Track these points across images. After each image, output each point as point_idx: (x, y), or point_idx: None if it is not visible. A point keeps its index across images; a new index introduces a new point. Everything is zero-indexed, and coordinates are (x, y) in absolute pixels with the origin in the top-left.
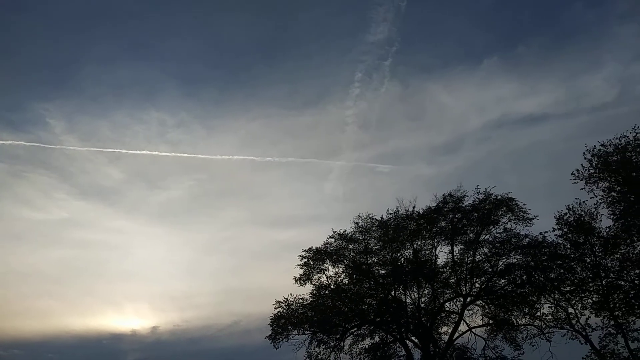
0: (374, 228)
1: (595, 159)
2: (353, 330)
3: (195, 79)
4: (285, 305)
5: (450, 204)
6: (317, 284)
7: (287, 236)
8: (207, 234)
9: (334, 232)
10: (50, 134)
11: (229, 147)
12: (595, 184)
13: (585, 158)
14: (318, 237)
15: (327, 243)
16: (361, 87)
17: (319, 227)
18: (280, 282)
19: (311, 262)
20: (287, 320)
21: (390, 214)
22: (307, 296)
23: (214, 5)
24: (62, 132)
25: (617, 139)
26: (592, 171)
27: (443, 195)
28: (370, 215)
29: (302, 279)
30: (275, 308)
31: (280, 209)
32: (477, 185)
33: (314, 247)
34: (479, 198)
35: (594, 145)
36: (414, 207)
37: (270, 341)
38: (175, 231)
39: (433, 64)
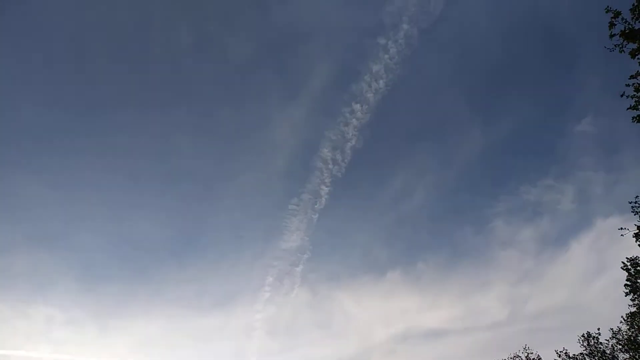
0: None
1: None
2: None
3: (97, 273)
4: None
5: None
6: None
7: None
8: None
9: None
10: None
11: (123, 349)
12: None
13: None
14: None
15: None
16: (271, 291)
17: None
18: None
19: None
20: None
21: None
22: None
23: (128, 200)
24: None
25: (511, 358)
26: None
27: None
28: None
29: None
30: None
31: None
32: None
33: None
34: None
35: None
36: None
37: None
38: None
39: (341, 273)
